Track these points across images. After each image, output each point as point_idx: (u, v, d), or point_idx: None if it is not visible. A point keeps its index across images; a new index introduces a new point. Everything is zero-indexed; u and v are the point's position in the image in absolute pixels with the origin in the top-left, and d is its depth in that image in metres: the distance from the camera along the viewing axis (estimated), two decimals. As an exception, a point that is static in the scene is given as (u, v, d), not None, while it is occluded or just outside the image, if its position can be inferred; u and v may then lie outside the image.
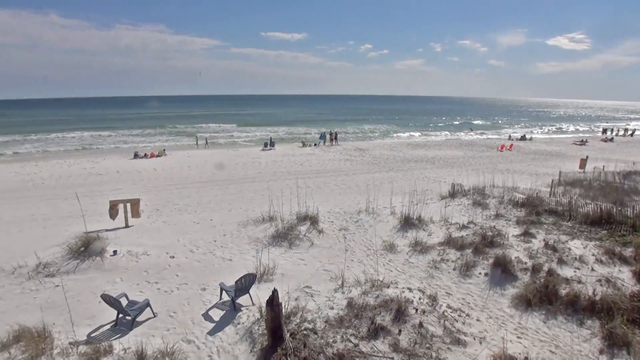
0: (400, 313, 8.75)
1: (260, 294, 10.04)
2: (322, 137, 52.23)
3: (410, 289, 10.08)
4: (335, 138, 51.25)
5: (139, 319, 9.18)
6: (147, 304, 9.38)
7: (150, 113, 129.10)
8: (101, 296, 9.04)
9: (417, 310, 8.96)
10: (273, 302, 7.55)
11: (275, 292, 7.64)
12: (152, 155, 41.00)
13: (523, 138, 58.40)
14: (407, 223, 15.47)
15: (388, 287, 10.03)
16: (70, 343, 8.10)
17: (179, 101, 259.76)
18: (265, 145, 47.85)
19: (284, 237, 14.34)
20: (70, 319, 8.77)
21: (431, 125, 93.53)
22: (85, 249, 12.38)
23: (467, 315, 9.32)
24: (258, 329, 8.54)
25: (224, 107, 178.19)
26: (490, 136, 67.06)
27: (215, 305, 9.89)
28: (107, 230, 15.82)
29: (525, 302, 9.85)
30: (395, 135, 70.53)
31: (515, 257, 11.71)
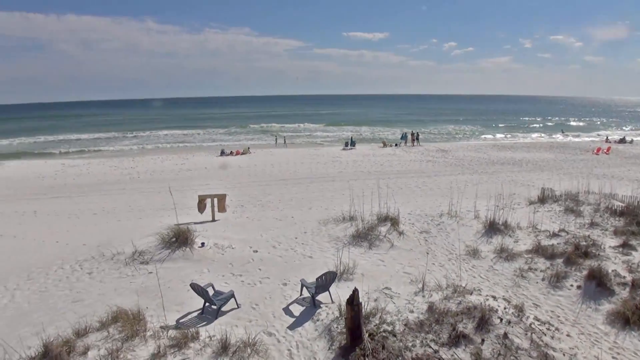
0: (483, 322, 8.42)
1: (339, 292, 10.11)
2: (404, 137, 51.55)
3: (494, 297, 9.67)
4: (417, 138, 50.38)
5: (224, 308, 9.60)
6: (232, 295, 9.79)
7: (236, 112, 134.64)
8: (190, 285, 9.57)
9: (501, 320, 8.58)
10: (353, 301, 7.58)
11: (356, 291, 7.67)
12: (238, 153, 42.70)
13: (622, 140, 53.88)
14: (492, 228, 14.87)
15: (471, 294, 9.70)
16: (161, 327, 8.64)
17: (262, 101, 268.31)
18: (346, 144, 48.10)
19: (364, 237, 14.33)
20: (162, 304, 9.35)
21: (520, 126, 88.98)
22: (177, 239, 13.17)
23: (557, 329, 8.78)
24: (337, 327, 8.60)
25: (305, 106, 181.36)
26: (585, 138, 62.63)
27: (296, 301, 10.11)
28: (195, 223, 16.68)
29: (623, 320, 9.10)
30: (480, 136, 67.99)
31: (613, 270, 10.86)
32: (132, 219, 19.60)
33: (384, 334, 8.12)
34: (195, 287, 9.36)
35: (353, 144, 48.07)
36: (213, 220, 17.69)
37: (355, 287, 7.92)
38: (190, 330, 8.39)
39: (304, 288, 10.29)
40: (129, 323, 8.39)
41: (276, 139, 55.69)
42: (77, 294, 10.98)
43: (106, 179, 31.63)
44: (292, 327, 8.97)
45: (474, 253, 13.09)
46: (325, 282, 9.74)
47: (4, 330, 9.00)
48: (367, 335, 7.92)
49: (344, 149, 46.03)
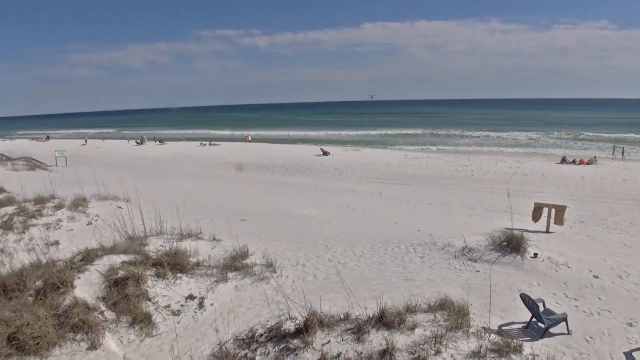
0: None
1: None
2: None
3: None
4: None
5: (552, 330, 8.82)
6: (564, 319, 8.88)
7: (585, 117, 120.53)
8: (520, 295, 9.15)
9: None
10: None
11: None
12: (581, 162, 38.25)
13: None
14: None
15: None
16: (483, 327, 8.56)
17: (618, 105, 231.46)
18: None
19: None
20: (489, 305, 9.24)
21: None
22: (508, 244, 12.81)
23: None
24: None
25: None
26: None
27: (644, 349, 8.42)
28: (527, 230, 15.82)
29: None
30: None
31: None
32: (463, 214, 20.12)
33: None
34: (525, 299, 8.89)
35: None
36: (547, 231, 16.44)
37: None
38: (513, 341, 8.03)
39: (659, 336, 8.46)
40: (454, 314, 8.63)
41: (613, 150, 47.51)
42: (408, 273, 12.03)
43: (442, 173, 33.41)
44: (634, 378, 7.54)
45: None
46: (693, 337, 7.77)
47: (351, 287, 10.58)
48: None
49: None
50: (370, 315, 8.58)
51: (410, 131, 79.58)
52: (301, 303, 8.88)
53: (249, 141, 68.75)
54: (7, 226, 16.51)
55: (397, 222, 18.18)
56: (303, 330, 8.19)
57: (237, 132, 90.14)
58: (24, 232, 16.19)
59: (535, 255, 12.54)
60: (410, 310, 8.98)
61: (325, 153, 46.49)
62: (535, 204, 17.20)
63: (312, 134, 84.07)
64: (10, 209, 17.89)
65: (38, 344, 8.51)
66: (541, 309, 9.13)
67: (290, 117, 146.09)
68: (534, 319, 9.02)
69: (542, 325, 8.78)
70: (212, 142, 63.51)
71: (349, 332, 8.27)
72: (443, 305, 9.12)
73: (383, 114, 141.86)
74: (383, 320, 8.35)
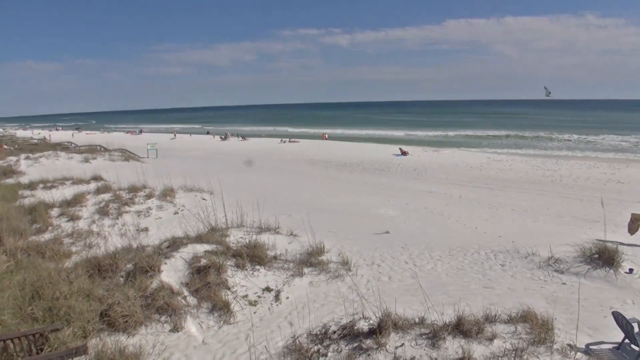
0: None
1: None
2: None
3: None
4: None
5: (646, 353, 8.10)
6: (663, 342, 8.13)
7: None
8: (612, 313, 8.48)
9: None
10: None
11: None
12: (688, 172, 34.83)
13: None
14: None
15: None
16: (568, 345, 8.05)
17: None
18: None
19: None
20: (577, 322, 8.67)
21: None
22: (600, 256, 11.93)
23: None
24: None
25: None
26: None
27: None
28: (621, 243, 14.63)
29: None
30: None
31: None
32: (549, 222, 18.98)
33: None
34: (618, 317, 8.21)
35: None
36: (644, 245, 15.11)
37: None
38: (602, 361, 7.49)
39: None
40: (537, 327, 8.18)
41: None
42: (488, 280, 11.55)
43: (527, 177, 31.78)
44: None
45: None
46: None
47: (427, 291, 10.34)
48: None
49: None
50: (447, 321, 8.36)
51: (495, 132, 76.36)
52: (375, 303, 8.83)
53: (326, 139, 69.53)
54: (104, 212, 17.96)
55: (477, 227, 17.52)
56: (377, 331, 8.15)
57: (314, 130, 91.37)
58: (118, 218, 17.53)
59: (631, 270, 11.56)
60: (489, 319, 8.64)
61: (403, 153, 45.88)
62: (633, 214, 15.83)
63: (390, 133, 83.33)
64: (106, 196, 19.44)
65: (127, 322, 9.18)
66: (636, 330, 8.40)
67: (368, 116, 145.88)
68: (626, 340, 8.33)
69: (636, 348, 8.08)
70: (291, 139, 64.95)
71: (423, 337, 8.12)
72: (525, 317, 8.67)
73: (465, 114, 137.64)
74: (460, 328, 8.11)
